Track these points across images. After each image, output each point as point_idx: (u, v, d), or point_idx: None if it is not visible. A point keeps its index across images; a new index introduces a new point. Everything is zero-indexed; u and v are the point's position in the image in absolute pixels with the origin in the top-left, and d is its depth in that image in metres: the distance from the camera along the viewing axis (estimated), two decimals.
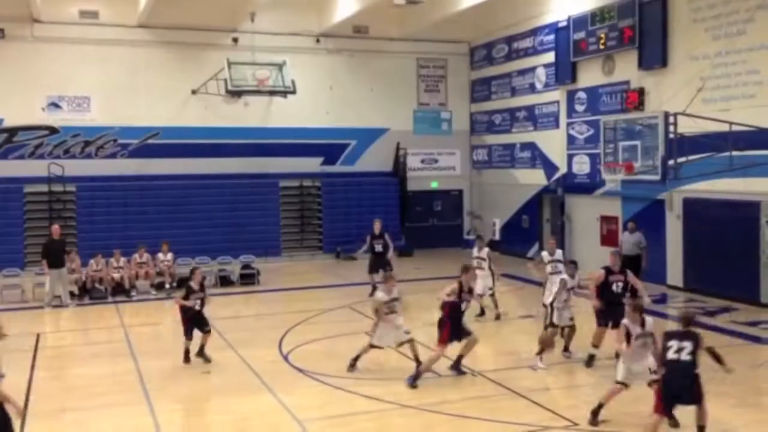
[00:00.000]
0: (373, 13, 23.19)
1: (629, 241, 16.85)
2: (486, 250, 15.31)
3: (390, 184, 25.79)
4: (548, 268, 13.25)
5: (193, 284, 12.13)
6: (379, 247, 17.77)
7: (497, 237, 25.14)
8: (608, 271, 11.56)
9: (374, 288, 17.64)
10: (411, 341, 11.16)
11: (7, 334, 7.84)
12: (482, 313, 14.95)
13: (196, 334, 11.99)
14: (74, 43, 22.63)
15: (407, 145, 26.21)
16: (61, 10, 22.49)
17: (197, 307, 11.99)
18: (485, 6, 22.18)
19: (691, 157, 15.39)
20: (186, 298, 12.01)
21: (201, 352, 12.02)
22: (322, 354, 12.67)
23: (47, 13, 22.13)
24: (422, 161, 26.87)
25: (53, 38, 22.44)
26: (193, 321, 11.98)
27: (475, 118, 27.19)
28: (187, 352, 11.94)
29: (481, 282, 15.02)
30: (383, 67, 26.07)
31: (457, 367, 11.22)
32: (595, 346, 11.42)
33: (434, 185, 27.05)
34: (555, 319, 11.67)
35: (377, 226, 18.02)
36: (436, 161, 27.14)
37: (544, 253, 13.75)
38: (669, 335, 8.33)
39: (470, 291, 11.19)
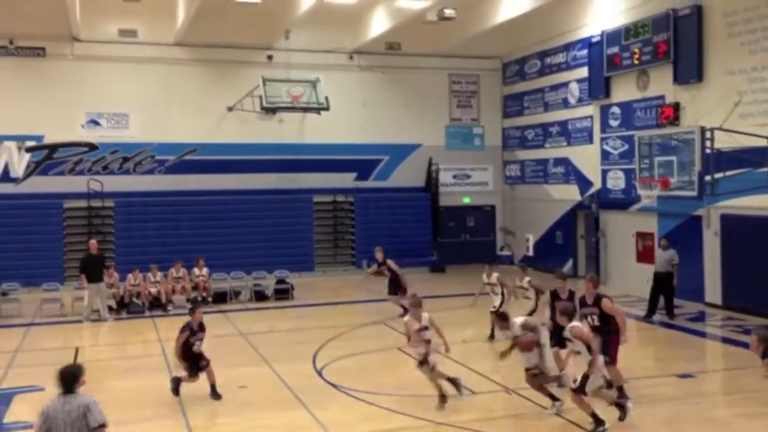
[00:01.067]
0: (406, 29, 23.36)
1: (663, 258, 16.67)
2: (495, 275, 14.89)
3: (422, 199, 25.84)
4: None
5: (193, 324, 11.36)
6: (387, 272, 17.84)
7: (531, 253, 25.02)
8: (581, 302, 10.89)
9: (405, 309, 17.64)
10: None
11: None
12: (492, 335, 14.56)
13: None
14: (113, 62, 23.14)
15: (439, 160, 26.26)
16: (100, 29, 23.02)
17: (197, 350, 11.29)
18: (517, 21, 22.24)
19: (728, 173, 15.22)
20: (187, 340, 11.27)
21: (214, 392, 11.21)
22: (356, 370, 12.74)
23: (87, 32, 22.66)
24: (454, 177, 26.87)
25: (93, 56, 22.98)
26: (193, 359, 11.32)
27: (507, 134, 27.15)
28: (179, 383, 11.18)
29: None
30: (416, 83, 26.20)
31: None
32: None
33: (466, 200, 27.03)
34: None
35: (379, 255, 18.06)
36: (468, 177, 27.11)
37: None
38: None
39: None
